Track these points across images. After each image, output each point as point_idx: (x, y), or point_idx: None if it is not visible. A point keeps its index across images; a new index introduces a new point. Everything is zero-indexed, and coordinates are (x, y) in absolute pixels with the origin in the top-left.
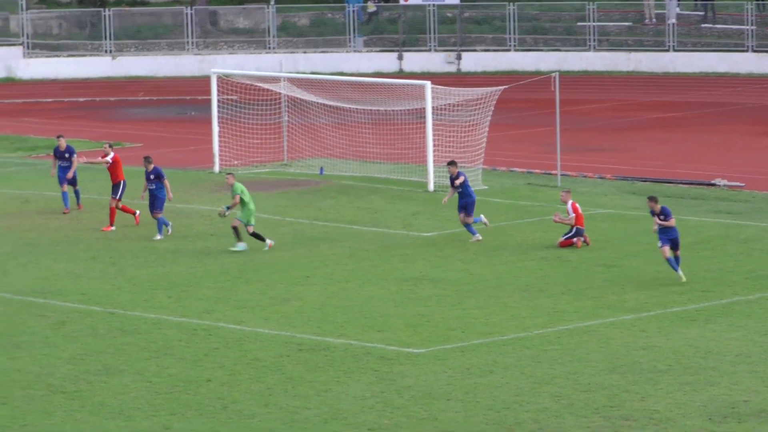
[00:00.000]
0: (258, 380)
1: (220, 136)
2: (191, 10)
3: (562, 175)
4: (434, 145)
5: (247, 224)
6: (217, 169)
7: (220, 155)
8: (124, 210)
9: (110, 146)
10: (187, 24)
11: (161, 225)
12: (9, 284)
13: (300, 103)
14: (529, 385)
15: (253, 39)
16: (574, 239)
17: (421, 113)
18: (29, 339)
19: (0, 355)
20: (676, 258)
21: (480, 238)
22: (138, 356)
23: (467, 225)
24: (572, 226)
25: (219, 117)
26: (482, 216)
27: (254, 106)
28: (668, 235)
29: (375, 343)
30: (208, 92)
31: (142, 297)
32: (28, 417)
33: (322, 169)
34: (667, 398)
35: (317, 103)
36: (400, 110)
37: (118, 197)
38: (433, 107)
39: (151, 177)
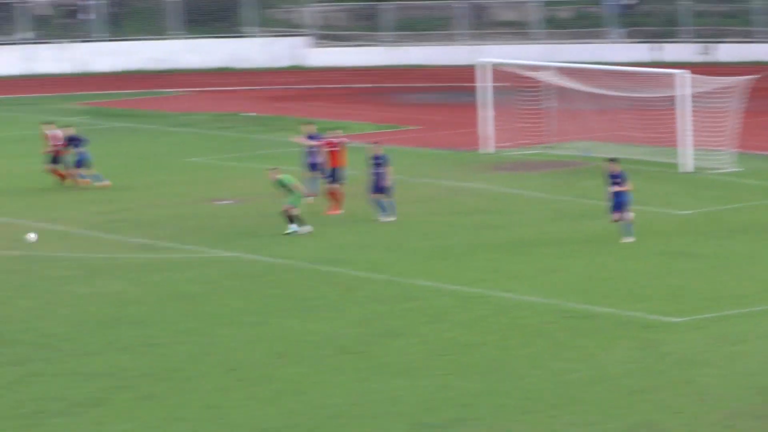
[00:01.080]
0: (527, 345)
1: (491, 120)
2: (462, 3)
3: None
4: (690, 130)
5: (294, 206)
6: (490, 149)
7: (491, 137)
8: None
9: (342, 132)
10: (457, 17)
11: (383, 206)
12: (302, 253)
13: (563, 90)
14: None
15: (519, 31)
16: None
17: (676, 100)
18: (320, 303)
19: (294, 318)
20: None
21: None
22: (418, 321)
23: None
24: None
25: (489, 102)
26: None
27: (520, 93)
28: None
29: (637, 312)
30: (478, 80)
31: (422, 266)
32: (320, 375)
33: (585, 151)
34: None
35: (579, 90)
36: (657, 97)
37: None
38: (687, 94)
39: (377, 162)
